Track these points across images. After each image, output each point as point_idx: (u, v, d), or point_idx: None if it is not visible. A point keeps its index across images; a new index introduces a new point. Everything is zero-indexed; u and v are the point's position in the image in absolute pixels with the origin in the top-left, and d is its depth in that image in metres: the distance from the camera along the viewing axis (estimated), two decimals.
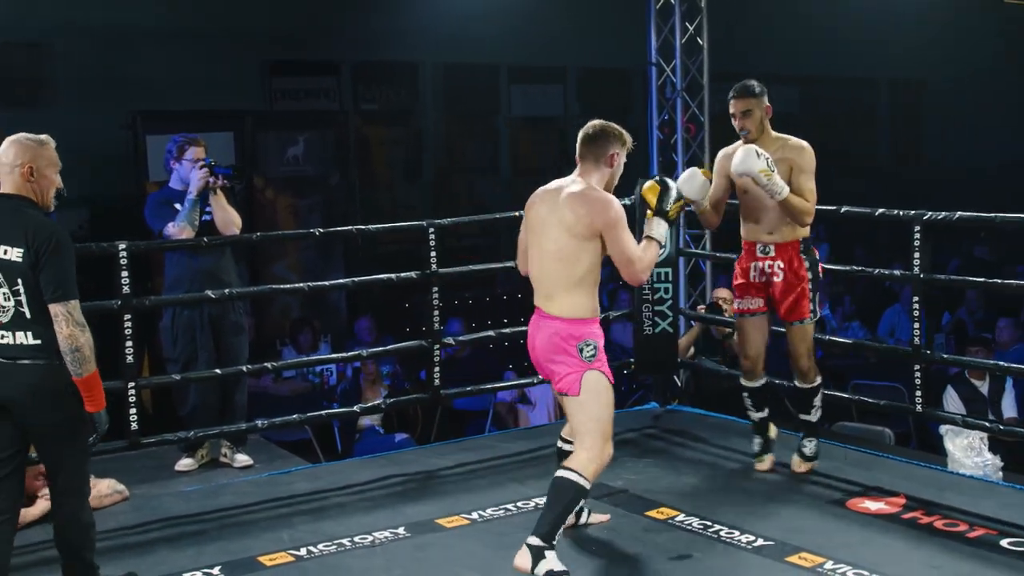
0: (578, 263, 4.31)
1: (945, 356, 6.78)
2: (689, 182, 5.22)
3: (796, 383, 5.44)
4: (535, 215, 4.49)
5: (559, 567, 4.14)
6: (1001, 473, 5.71)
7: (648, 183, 4.56)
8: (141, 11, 11.05)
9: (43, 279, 3.86)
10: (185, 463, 6.00)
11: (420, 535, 4.85)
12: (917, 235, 5.59)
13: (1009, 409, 7.21)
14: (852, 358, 8.84)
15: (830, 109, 17.25)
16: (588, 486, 4.24)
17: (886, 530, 4.76)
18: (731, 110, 5.25)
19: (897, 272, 6.35)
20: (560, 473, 4.26)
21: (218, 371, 5.75)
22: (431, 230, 6.09)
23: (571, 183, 4.42)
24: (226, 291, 5.74)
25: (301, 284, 6.64)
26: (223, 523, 5.08)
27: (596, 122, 4.49)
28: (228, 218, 5.90)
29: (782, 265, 5.26)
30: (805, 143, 5.24)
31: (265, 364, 6.27)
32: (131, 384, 5.43)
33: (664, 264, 6.66)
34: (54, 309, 3.87)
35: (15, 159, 3.97)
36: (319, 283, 6.73)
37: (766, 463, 5.55)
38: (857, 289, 11.46)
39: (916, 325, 5.76)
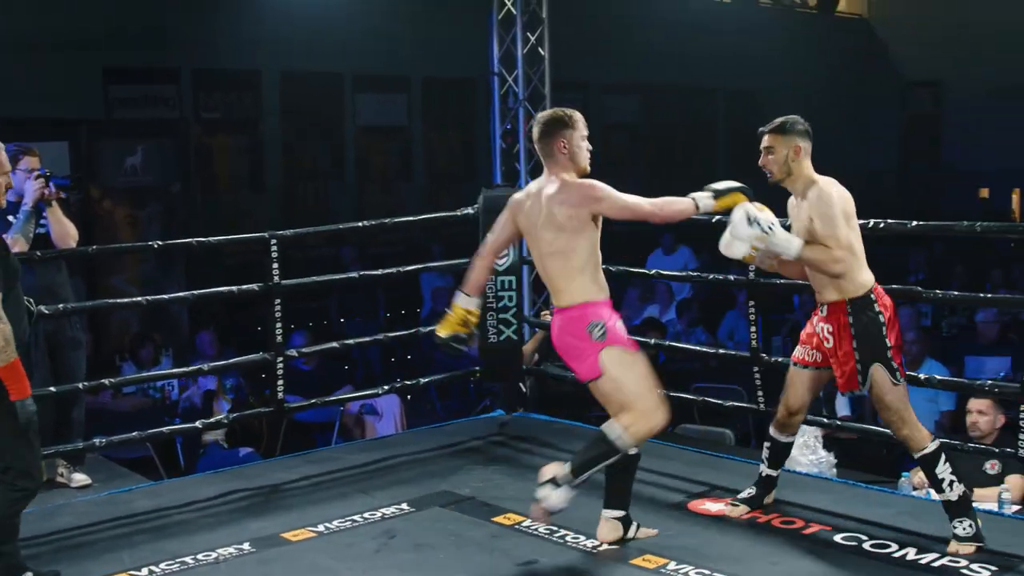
0: (575, 255, 4.46)
1: (781, 359, 6.95)
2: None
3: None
4: (525, 221, 4.61)
5: (557, 504, 4.40)
6: (835, 470, 5.90)
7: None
8: None
9: None
10: None
11: (265, 550, 4.78)
12: None
13: (843, 408, 7.45)
14: (695, 362, 9.04)
15: (671, 119, 17.58)
16: (626, 445, 4.39)
17: (726, 530, 4.87)
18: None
19: (732, 277, 6.50)
20: (611, 430, 4.42)
21: (52, 388, 5.58)
22: (273, 241, 6.01)
23: (547, 184, 4.54)
24: (61, 306, 5.58)
25: (139, 298, 6.49)
26: (60, 545, 4.93)
27: (540, 115, 4.64)
28: (64, 230, 5.74)
29: (831, 329, 4.64)
30: (823, 185, 4.60)
31: (103, 380, 6.11)
32: None
33: (508, 272, 6.71)
34: None
35: None
36: (158, 296, 6.56)
37: (739, 511, 5.01)
38: (701, 295, 11.70)
39: (753, 328, 5.93)
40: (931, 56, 19.10)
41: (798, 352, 4.83)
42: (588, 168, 4.58)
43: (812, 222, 4.56)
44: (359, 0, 13.36)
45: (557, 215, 4.45)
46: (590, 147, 4.60)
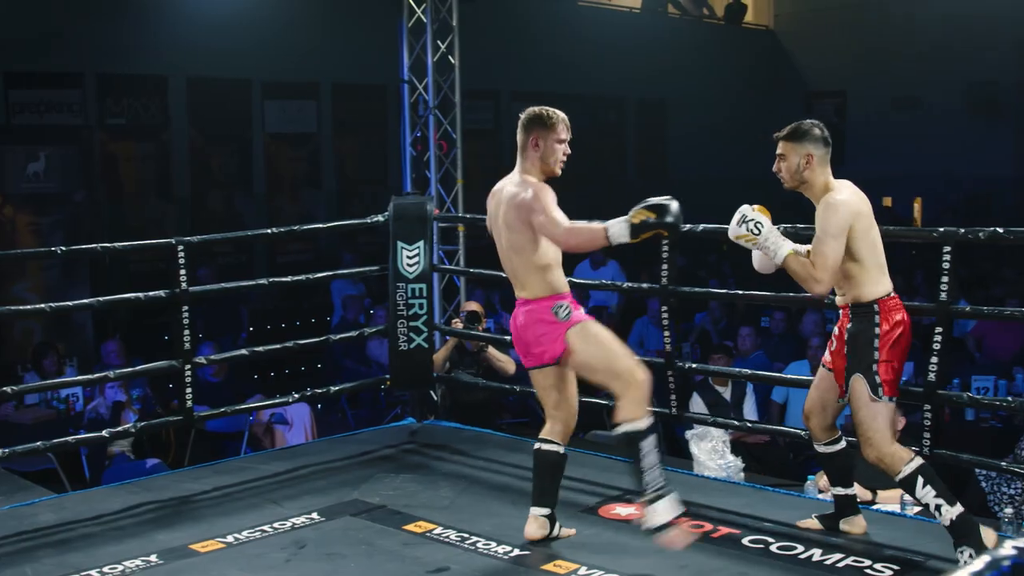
0: (534, 252, 4.58)
1: (693, 365, 7.04)
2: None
3: None
4: (491, 214, 4.76)
5: (667, 515, 4.34)
6: (743, 474, 5.97)
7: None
8: None
9: None
10: None
11: (173, 561, 4.71)
12: (665, 247, 5.82)
13: (750, 413, 7.56)
14: None
15: (581, 126, 17.65)
16: (644, 423, 4.41)
17: (637, 534, 4.90)
18: None
19: (645, 285, 6.56)
20: (618, 431, 4.46)
21: None
22: (180, 247, 5.94)
23: (511, 179, 4.68)
24: None
25: (42, 305, 6.37)
26: None
27: (528, 109, 4.71)
28: None
29: (836, 332, 4.61)
30: (832, 194, 4.44)
31: (4, 389, 5.98)
32: None
33: (419, 280, 6.70)
34: None
35: None
36: (61, 304, 6.43)
37: (812, 523, 4.90)
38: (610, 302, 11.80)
39: (666, 334, 5.99)
40: (835, 67, 19.52)
41: (825, 356, 4.71)
42: (556, 171, 4.65)
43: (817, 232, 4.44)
44: (268, 6, 13.26)
45: (508, 214, 4.60)
46: (568, 152, 4.68)
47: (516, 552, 4.68)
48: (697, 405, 7.38)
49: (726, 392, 7.53)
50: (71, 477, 7.43)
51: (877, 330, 4.37)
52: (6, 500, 5.69)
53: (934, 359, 5.01)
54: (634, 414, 4.42)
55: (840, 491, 4.81)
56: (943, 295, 4.98)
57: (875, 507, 5.33)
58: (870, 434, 4.36)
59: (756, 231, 4.48)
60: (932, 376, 5.03)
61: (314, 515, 5.23)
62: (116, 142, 12.80)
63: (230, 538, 4.96)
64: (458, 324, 7.38)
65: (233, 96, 13.68)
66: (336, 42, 13.67)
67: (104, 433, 6.11)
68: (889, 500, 5.44)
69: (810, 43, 20.21)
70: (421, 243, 6.69)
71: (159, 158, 13.36)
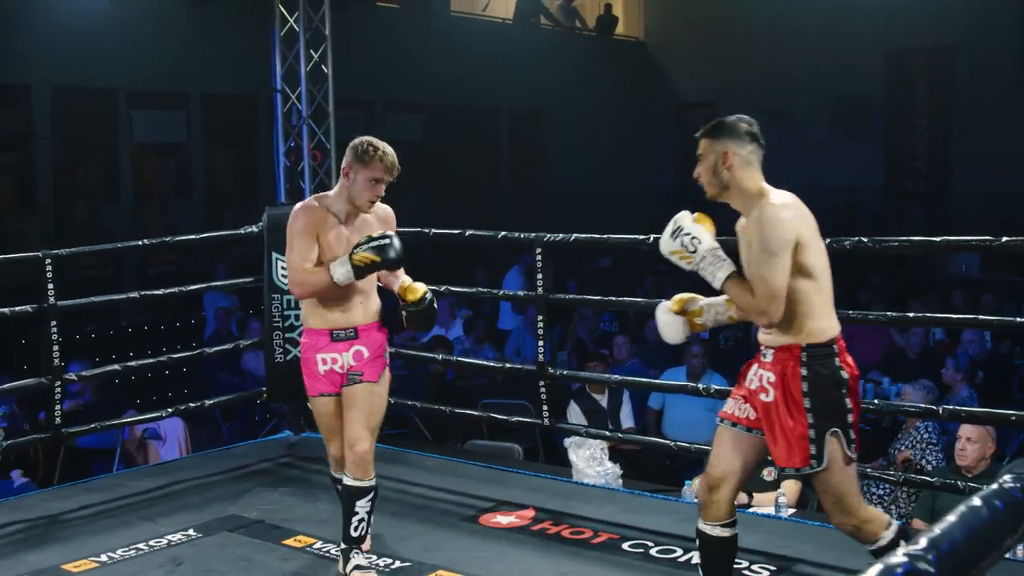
0: None
1: (566, 372, 7.08)
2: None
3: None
4: None
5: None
6: (621, 480, 6.02)
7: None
8: None
9: None
10: None
11: None
12: (539, 256, 5.86)
13: (627, 420, 7.64)
14: (483, 378, 9.12)
15: (455, 137, 17.73)
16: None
17: (517, 542, 4.93)
18: None
19: (522, 293, 6.59)
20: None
21: None
22: (48, 261, 5.79)
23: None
24: None
25: None
26: None
27: (359, 138, 4.40)
28: None
29: (772, 379, 3.62)
30: (771, 203, 3.60)
31: None
32: None
33: None
34: None
35: None
36: None
37: None
38: (485, 310, 11.83)
39: (541, 343, 6.02)
40: (705, 79, 19.85)
41: (728, 406, 3.80)
42: (364, 209, 4.39)
43: (753, 251, 3.60)
44: (136, 15, 13.02)
45: None
46: (380, 195, 4.36)
47: (397, 564, 4.67)
48: (574, 413, 7.43)
49: (603, 400, 7.60)
50: None
51: (844, 374, 3.57)
52: None
53: None
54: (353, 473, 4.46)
55: None
56: None
57: (751, 510, 5.43)
58: (847, 500, 3.60)
59: (692, 248, 3.65)
60: None
61: (190, 531, 5.14)
62: None
63: (104, 557, 4.84)
64: None
65: (99, 106, 13.39)
66: (205, 52, 13.48)
67: None
68: (764, 503, 5.55)
69: (681, 55, 20.53)
70: None
71: (22, 168, 13.01)
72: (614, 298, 6.58)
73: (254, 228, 6.73)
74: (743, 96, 19.19)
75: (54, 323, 5.80)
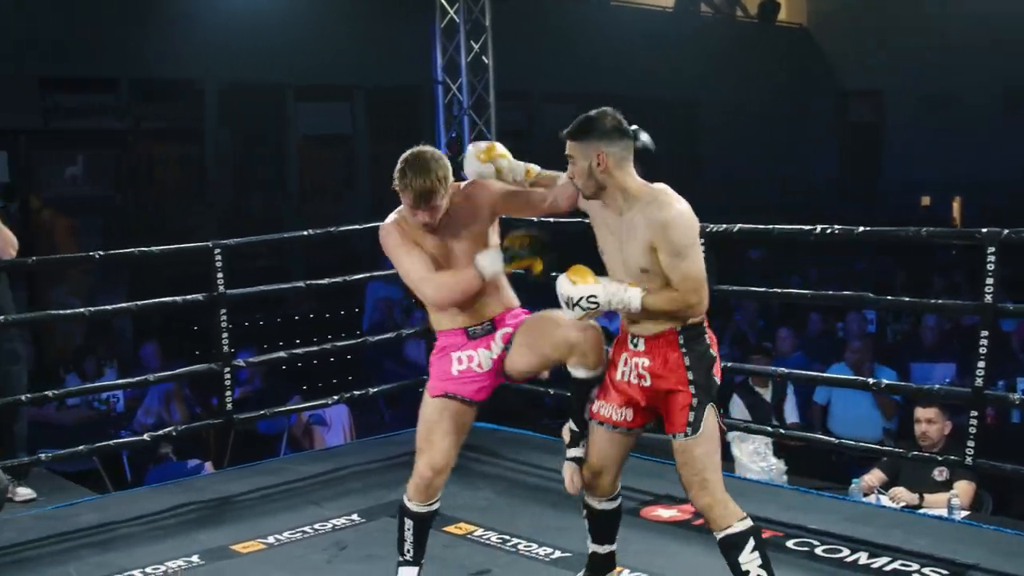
0: None
1: (730, 364, 6.98)
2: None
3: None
4: None
5: None
6: (785, 477, 5.91)
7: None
8: None
9: None
10: None
11: (214, 562, 4.72)
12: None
13: (791, 415, 7.50)
14: None
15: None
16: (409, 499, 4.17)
17: (678, 537, 4.88)
18: None
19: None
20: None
21: None
22: (217, 251, 5.95)
23: None
24: (1, 318, 5.49)
25: (81, 309, 6.38)
26: (3, 562, 4.83)
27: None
28: (5, 240, 5.65)
29: (647, 364, 3.70)
30: (670, 208, 3.61)
31: (46, 392, 6.01)
32: None
33: None
34: None
35: None
36: (100, 308, 6.45)
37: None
38: None
39: None
40: (870, 65, 19.31)
41: (597, 407, 3.86)
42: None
43: (652, 252, 3.60)
44: (300, 9, 13.29)
45: None
46: (421, 220, 3.97)
47: (558, 555, 4.66)
48: (737, 406, 7.33)
49: (766, 393, 7.48)
50: (113, 477, 7.47)
51: (712, 352, 3.70)
52: (49, 500, 5.73)
53: (981, 361, 4.93)
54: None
55: (603, 549, 4.11)
56: (988, 296, 4.91)
57: (921, 511, 5.28)
58: (707, 474, 3.66)
59: (592, 305, 3.61)
60: (979, 379, 4.94)
61: (354, 516, 5.23)
62: (152, 146, 12.87)
63: (271, 539, 4.96)
64: None
65: (267, 100, 13.73)
66: (370, 45, 13.69)
67: (145, 436, 6.12)
68: (936, 504, 5.38)
69: (846, 41, 19.99)
70: None
71: (195, 161, 13.42)
72: (778, 290, 6.44)
73: None
74: (909, 83, 18.71)
75: (224, 311, 5.96)
